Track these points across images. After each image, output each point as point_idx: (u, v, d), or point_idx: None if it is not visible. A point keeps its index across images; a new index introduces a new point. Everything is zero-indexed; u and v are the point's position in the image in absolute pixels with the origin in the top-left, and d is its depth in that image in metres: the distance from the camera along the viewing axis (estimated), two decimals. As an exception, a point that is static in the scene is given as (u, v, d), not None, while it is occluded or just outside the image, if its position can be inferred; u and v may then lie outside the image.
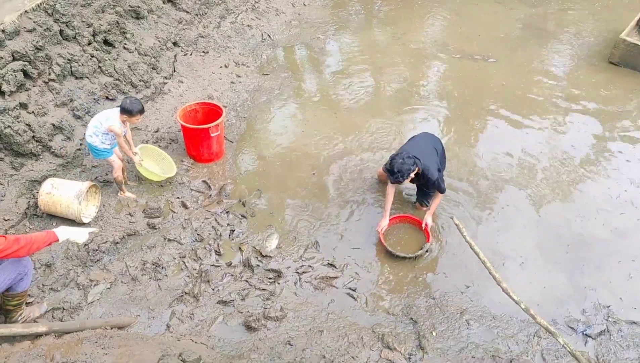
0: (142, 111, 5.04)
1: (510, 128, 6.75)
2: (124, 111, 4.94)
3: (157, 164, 5.80)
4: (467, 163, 6.15)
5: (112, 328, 4.16)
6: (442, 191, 5.11)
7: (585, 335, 4.42)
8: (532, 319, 4.03)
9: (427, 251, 5.05)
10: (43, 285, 4.58)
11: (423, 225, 5.13)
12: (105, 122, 4.97)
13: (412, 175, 4.77)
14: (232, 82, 7.45)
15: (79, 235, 3.92)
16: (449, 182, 5.82)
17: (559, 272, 4.93)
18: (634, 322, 4.50)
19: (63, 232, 3.79)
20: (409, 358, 4.18)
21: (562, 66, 8.06)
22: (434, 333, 4.35)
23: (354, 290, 4.76)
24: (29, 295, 4.23)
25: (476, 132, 6.67)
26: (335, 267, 4.97)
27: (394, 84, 7.66)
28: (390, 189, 5.14)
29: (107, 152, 5.18)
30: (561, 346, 3.96)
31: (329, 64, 8.22)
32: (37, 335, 3.89)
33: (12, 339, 3.83)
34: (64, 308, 4.41)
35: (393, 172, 4.72)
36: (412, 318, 4.51)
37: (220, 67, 7.63)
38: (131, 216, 5.29)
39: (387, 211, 5.17)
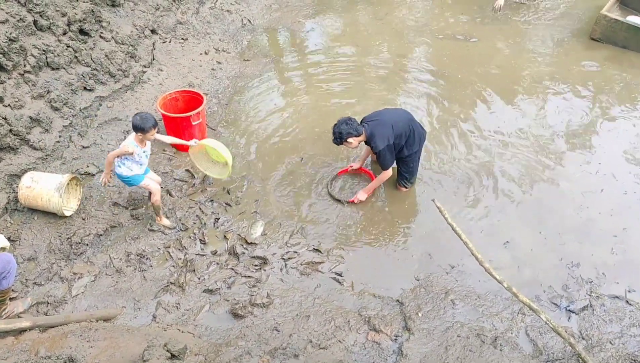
0: (155, 125, 4.60)
1: (491, 108, 6.76)
2: (136, 128, 4.57)
3: (212, 164, 5.51)
4: (449, 144, 6.15)
5: (97, 321, 4.14)
6: (384, 168, 5.23)
7: (569, 310, 4.48)
8: (515, 297, 4.08)
9: (342, 203, 5.47)
10: (26, 279, 4.55)
11: (351, 198, 5.43)
12: (121, 148, 4.69)
13: (351, 140, 4.96)
14: (212, 69, 7.36)
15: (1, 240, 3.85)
16: (431, 163, 5.85)
17: (542, 249, 4.98)
18: (617, 296, 4.56)
19: None
20: (395, 339, 4.22)
21: (545, 44, 8.06)
22: (419, 314, 4.38)
23: (340, 275, 4.77)
24: (12, 290, 4.19)
25: (457, 112, 6.65)
26: (320, 252, 4.97)
27: (377, 65, 7.63)
28: (367, 148, 5.53)
29: (139, 177, 4.89)
30: (544, 322, 4.01)
31: (311, 47, 8.16)
32: (21, 330, 3.87)
33: (-4, 335, 3.80)
34: (48, 302, 4.38)
35: (333, 132, 5.01)
36: (398, 300, 4.54)
37: (200, 54, 7.53)
38: (114, 207, 5.24)
39: (361, 159, 5.77)
